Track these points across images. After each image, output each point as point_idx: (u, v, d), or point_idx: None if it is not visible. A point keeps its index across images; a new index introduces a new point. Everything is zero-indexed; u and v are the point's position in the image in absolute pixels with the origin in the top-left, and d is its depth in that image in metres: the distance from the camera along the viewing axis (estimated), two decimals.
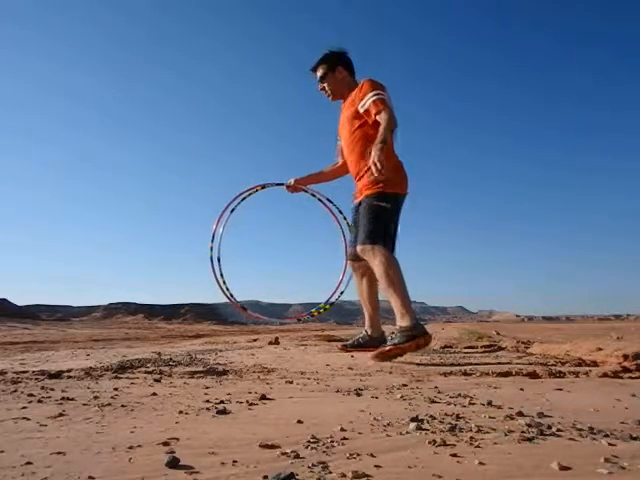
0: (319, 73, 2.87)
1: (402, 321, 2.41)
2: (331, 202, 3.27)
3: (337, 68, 2.82)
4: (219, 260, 3.04)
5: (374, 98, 2.55)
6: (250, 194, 3.23)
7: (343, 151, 2.98)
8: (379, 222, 2.60)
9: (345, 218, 3.22)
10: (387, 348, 2.40)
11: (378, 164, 2.27)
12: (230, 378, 1.89)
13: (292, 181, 3.18)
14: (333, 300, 3.19)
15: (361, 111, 2.63)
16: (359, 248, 2.63)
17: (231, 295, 3.10)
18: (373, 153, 2.32)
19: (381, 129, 2.43)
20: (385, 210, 2.60)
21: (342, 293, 3.18)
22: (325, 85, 2.86)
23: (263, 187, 3.26)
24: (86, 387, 1.62)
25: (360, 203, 2.76)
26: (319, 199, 3.27)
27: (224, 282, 3.06)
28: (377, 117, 2.55)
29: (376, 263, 2.53)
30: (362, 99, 2.61)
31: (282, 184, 3.25)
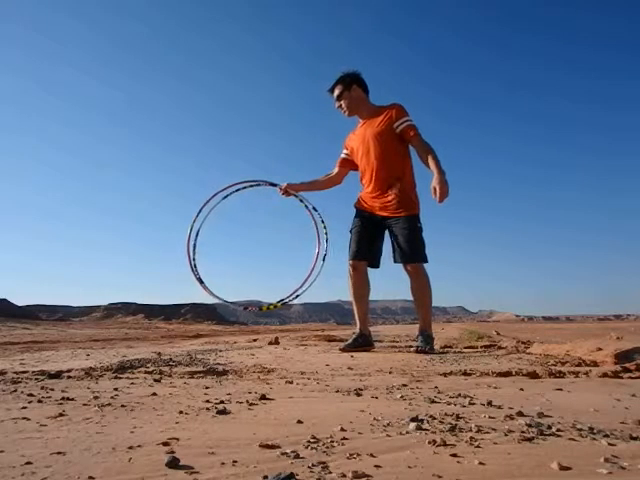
0: (336, 92, 3.14)
1: (430, 331, 3.07)
2: (316, 211, 3.40)
3: (352, 87, 3.11)
4: (197, 233, 3.19)
5: (409, 123, 3.00)
6: (245, 187, 3.36)
7: (361, 162, 3.18)
8: (423, 242, 3.05)
9: (325, 227, 3.35)
10: (426, 350, 2.89)
11: (447, 188, 2.76)
12: (230, 378, 1.89)
13: (284, 185, 3.33)
14: (286, 301, 3.27)
15: (397, 130, 3.00)
16: (412, 266, 3.01)
17: (195, 266, 3.18)
18: (441, 178, 2.78)
19: (435, 161, 2.85)
20: (422, 230, 3.07)
21: (297, 297, 3.29)
22: (342, 103, 3.14)
23: (258, 184, 3.40)
24: (86, 387, 1.62)
25: (386, 218, 3.06)
26: (306, 206, 3.40)
27: (194, 252, 3.17)
28: (413, 139, 2.98)
29: (425, 280, 3.03)
30: (398, 120, 3.00)
31: (275, 185, 3.37)
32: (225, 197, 3.28)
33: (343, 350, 3.04)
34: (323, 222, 3.35)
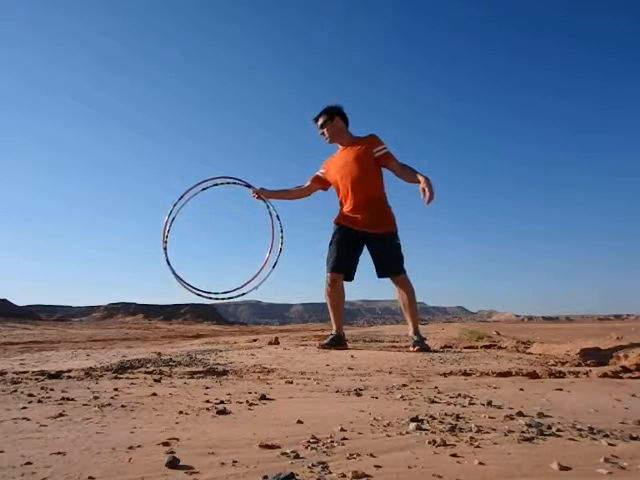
0: (320, 121, 3.48)
1: (419, 333, 3.32)
2: (279, 220, 3.53)
3: (335, 118, 3.46)
4: (173, 219, 3.35)
5: (386, 151, 3.37)
6: (222, 183, 3.49)
7: (343, 182, 3.44)
8: (403, 256, 3.37)
9: (282, 237, 3.47)
10: (417, 349, 3.12)
11: (434, 191, 3.04)
12: (230, 378, 1.89)
13: (258, 189, 3.50)
14: (232, 296, 3.41)
15: (376, 156, 3.37)
16: (399, 277, 3.31)
17: (165, 249, 3.28)
18: (427, 181, 3.06)
19: (418, 172, 3.18)
20: (400, 246, 3.38)
21: (243, 294, 3.45)
22: (325, 131, 3.47)
23: (235, 183, 3.53)
24: (86, 387, 1.63)
25: (367, 234, 3.31)
26: (270, 213, 3.52)
27: (167, 236, 3.30)
28: (392, 163, 3.33)
29: (410, 289, 3.32)
30: (376, 147, 3.37)
31: (250, 187, 3.51)
32: (204, 189, 3.42)
33: (322, 347, 3.29)
34: (282, 232, 3.47)
